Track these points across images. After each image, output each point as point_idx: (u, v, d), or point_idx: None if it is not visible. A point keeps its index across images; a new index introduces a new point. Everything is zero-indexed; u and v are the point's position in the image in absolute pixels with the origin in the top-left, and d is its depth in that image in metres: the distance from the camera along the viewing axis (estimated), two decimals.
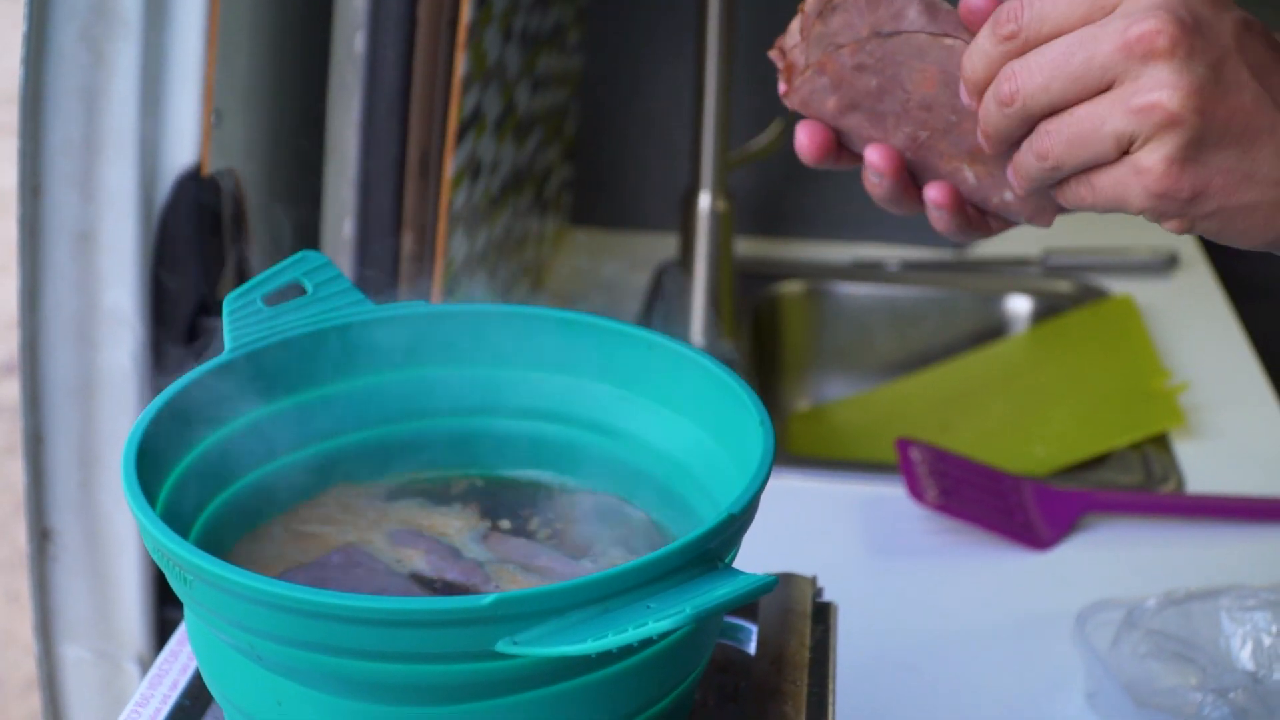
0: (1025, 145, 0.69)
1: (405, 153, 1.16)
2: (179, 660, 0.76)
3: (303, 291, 0.76)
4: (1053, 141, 0.67)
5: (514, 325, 0.78)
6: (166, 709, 0.73)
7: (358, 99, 1.15)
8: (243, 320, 0.74)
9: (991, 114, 0.69)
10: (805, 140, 0.75)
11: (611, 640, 0.56)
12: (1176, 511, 1.25)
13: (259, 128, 1.17)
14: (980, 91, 0.69)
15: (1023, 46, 0.68)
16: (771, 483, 0.66)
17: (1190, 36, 0.64)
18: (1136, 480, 1.33)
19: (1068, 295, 1.67)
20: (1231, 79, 0.65)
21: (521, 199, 1.48)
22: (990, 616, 1.13)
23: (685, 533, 0.61)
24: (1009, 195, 0.73)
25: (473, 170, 1.25)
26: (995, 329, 1.68)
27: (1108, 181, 0.67)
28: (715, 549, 0.61)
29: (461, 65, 1.16)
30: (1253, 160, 0.66)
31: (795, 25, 0.73)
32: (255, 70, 1.15)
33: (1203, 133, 0.65)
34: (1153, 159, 0.65)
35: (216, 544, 0.71)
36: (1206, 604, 1.02)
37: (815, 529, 1.23)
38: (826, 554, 1.18)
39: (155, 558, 0.63)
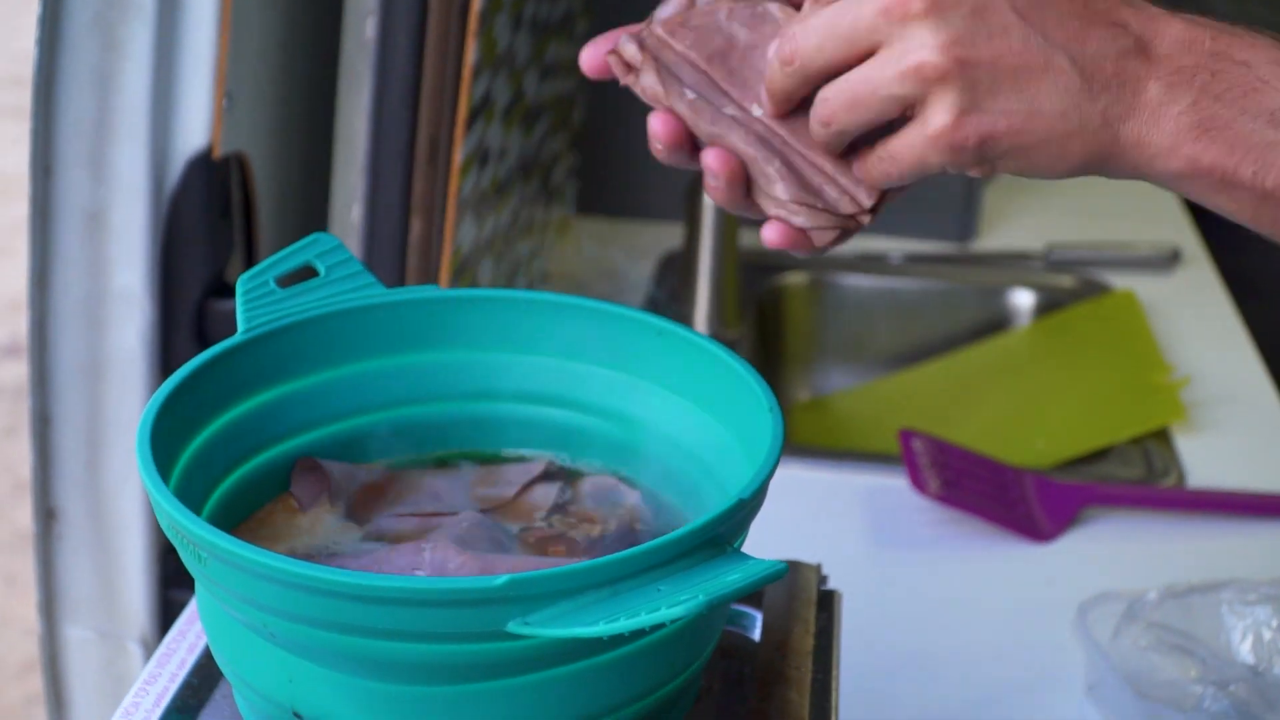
0: (811, 115, 0.70)
1: (414, 139, 1.16)
2: (186, 639, 0.76)
3: (315, 274, 0.77)
4: (832, 106, 0.69)
5: (523, 311, 0.78)
6: (174, 687, 0.73)
7: (368, 85, 1.15)
8: (256, 302, 0.74)
9: (775, 73, 0.71)
10: (658, 129, 0.77)
11: (623, 624, 0.56)
12: (1177, 505, 1.25)
13: (270, 112, 1.17)
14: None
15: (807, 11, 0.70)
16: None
17: None
18: (1137, 474, 1.33)
19: (1070, 290, 1.67)
20: (996, 23, 0.66)
21: (528, 186, 1.48)
22: (991, 607, 1.14)
23: (693, 517, 0.62)
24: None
25: (481, 157, 1.25)
26: (998, 322, 1.68)
27: (903, 148, 0.68)
28: (725, 533, 0.62)
29: (472, 53, 1.16)
30: (1032, 97, 0.67)
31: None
32: (267, 55, 1.15)
33: (973, 81, 0.66)
34: (935, 118, 0.67)
35: (226, 522, 0.72)
36: (1207, 597, 1.02)
37: (818, 519, 1.24)
38: (829, 543, 1.18)
39: (169, 534, 0.63)
